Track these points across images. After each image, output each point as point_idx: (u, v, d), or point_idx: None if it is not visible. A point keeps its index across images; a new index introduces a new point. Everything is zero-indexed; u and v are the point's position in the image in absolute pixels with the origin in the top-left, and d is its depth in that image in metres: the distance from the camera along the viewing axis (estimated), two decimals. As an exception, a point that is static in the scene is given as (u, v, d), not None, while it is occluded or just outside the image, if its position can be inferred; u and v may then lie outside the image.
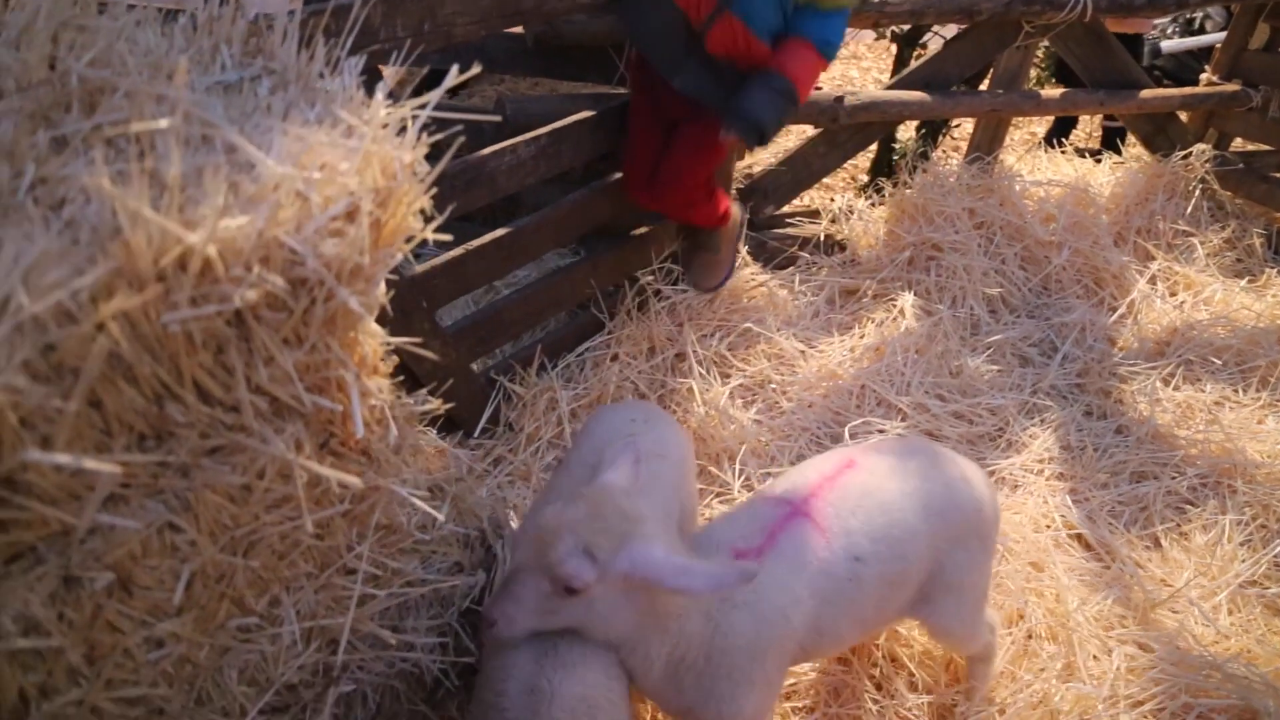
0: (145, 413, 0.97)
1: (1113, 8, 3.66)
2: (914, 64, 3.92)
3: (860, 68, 6.62)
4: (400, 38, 2.01)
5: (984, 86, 4.16)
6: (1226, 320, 3.45)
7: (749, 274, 3.41)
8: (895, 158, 4.46)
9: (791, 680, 2.15)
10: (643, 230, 3.20)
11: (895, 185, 3.87)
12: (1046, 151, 4.48)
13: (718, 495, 2.65)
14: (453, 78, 1.09)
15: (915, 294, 3.43)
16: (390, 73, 1.37)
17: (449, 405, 1.70)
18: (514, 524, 2.33)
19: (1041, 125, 5.57)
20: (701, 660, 1.53)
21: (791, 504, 1.67)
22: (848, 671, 2.18)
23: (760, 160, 4.21)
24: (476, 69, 1.22)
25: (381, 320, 1.25)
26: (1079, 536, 2.61)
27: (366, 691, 1.60)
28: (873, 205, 3.91)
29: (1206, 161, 4.15)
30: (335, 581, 1.41)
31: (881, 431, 2.83)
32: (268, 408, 1.09)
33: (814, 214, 3.94)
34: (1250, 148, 4.63)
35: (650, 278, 3.20)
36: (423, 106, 1.10)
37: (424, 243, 1.16)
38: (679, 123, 2.73)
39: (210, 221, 0.86)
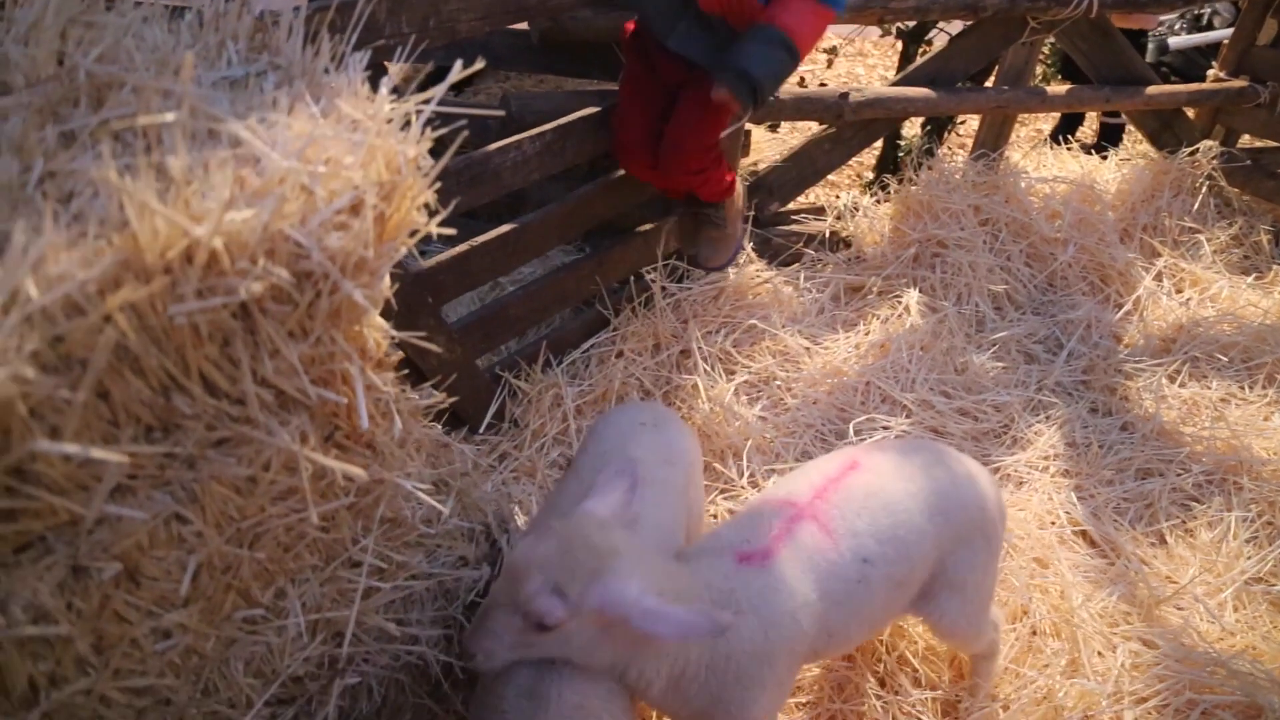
0: (152, 404, 0.98)
1: (1119, 3, 3.64)
2: (919, 60, 3.91)
3: (866, 64, 6.62)
4: (405, 34, 2.01)
5: (989, 83, 4.15)
6: (1233, 317, 3.44)
7: (754, 270, 3.41)
8: (900, 154, 4.45)
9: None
10: (648, 227, 3.20)
11: (900, 182, 3.86)
12: (1052, 148, 4.46)
13: (722, 491, 2.66)
14: (456, 73, 1.09)
15: (920, 291, 3.43)
16: (395, 69, 1.38)
17: (454, 400, 1.71)
18: (519, 519, 2.34)
19: (1047, 122, 5.55)
20: (705, 671, 1.51)
21: (797, 506, 1.66)
22: (851, 667, 2.18)
23: (765, 157, 4.20)
24: (480, 64, 1.23)
25: (386, 315, 1.26)
26: (1084, 533, 2.60)
27: (372, 684, 1.61)
28: (878, 202, 3.91)
29: (1213, 158, 4.13)
30: (340, 574, 1.42)
31: (886, 428, 2.82)
32: (273, 400, 1.09)
33: (819, 211, 3.94)
34: (1258, 144, 4.60)
35: (655, 274, 3.20)
36: (427, 101, 1.10)
37: (429, 239, 1.16)
38: (679, 92, 2.64)
39: (216, 214, 0.86)
